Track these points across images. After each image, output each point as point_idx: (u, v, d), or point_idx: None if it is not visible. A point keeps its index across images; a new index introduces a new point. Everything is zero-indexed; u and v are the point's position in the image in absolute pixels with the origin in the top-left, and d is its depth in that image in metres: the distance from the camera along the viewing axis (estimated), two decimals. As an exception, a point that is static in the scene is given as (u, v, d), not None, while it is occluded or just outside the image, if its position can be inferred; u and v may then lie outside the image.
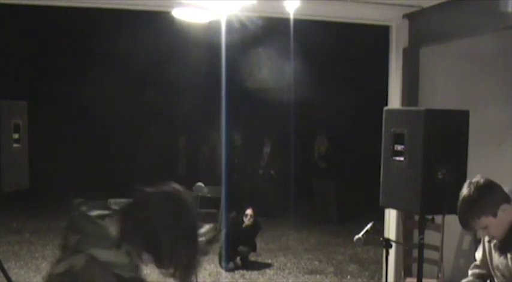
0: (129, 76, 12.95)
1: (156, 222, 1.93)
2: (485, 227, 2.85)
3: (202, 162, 11.92)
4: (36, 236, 9.11)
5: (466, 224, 2.89)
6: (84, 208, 2.02)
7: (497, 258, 3.00)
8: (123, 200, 2.14)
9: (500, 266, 2.98)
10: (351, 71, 12.84)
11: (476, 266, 3.26)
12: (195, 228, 2.00)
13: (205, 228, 3.26)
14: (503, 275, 2.98)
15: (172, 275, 1.98)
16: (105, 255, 1.89)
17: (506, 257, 2.93)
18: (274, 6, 5.51)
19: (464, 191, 2.87)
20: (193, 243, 2.00)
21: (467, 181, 2.92)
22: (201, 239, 2.50)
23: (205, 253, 2.76)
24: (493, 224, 2.83)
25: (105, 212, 2.02)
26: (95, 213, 1.99)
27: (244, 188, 11.03)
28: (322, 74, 12.90)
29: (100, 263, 1.88)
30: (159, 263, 1.96)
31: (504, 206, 2.83)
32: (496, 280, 3.07)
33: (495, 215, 2.81)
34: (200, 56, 10.76)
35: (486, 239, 3.07)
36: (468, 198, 2.84)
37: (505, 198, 2.87)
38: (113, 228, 1.95)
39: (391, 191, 3.89)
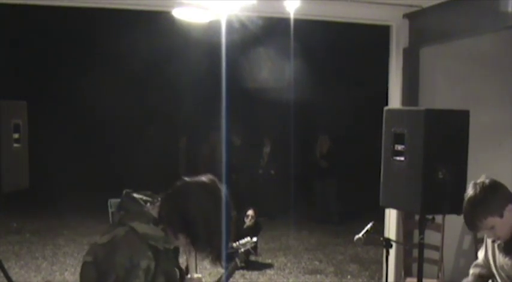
0: (129, 76, 12.95)
1: (193, 208, 2.15)
2: (492, 228, 2.83)
3: (203, 162, 11.91)
4: (36, 236, 9.11)
5: (472, 224, 2.86)
6: (130, 192, 2.29)
7: (502, 259, 2.99)
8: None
9: (505, 267, 2.96)
10: (351, 70, 12.83)
11: (478, 265, 3.23)
12: (228, 215, 2.20)
13: (245, 240, 3.49)
14: (508, 276, 2.97)
15: (207, 257, 2.21)
16: (143, 228, 2.16)
17: (511, 258, 2.92)
18: (274, 6, 5.50)
19: (470, 191, 2.84)
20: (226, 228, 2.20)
21: (473, 182, 2.90)
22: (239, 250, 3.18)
23: (240, 261, 3.24)
24: (499, 224, 2.81)
25: (149, 198, 2.29)
26: (138, 196, 2.27)
27: (244, 188, 11.02)
28: (322, 74, 12.90)
29: (138, 234, 2.14)
30: (194, 243, 2.19)
31: (510, 207, 2.82)
32: (499, 280, 3.05)
33: (501, 216, 2.80)
34: (200, 56, 10.74)
35: (490, 239, 3.05)
36: (474, 199, 2.81)
37: (510, 198, 2.85)
38: (153, 212, 2.21)
39: (391, 191, 3.89)
